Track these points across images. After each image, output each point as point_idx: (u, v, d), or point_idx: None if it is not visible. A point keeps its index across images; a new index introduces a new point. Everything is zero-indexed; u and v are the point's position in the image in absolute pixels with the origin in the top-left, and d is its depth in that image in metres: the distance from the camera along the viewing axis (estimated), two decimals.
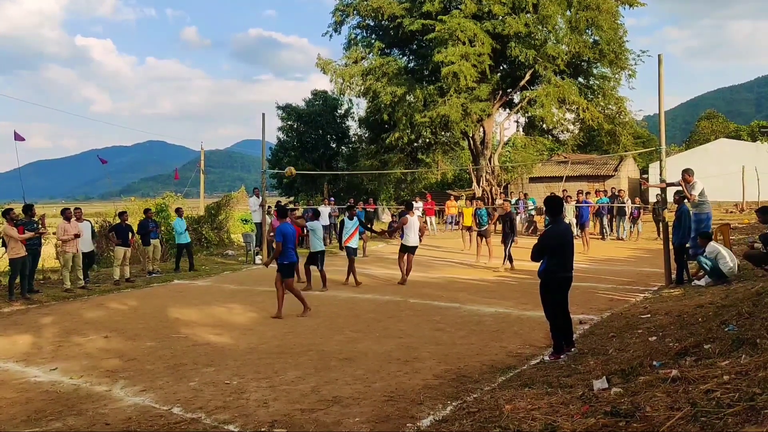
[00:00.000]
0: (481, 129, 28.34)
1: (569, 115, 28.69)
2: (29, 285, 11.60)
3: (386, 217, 27.26)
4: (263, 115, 17.48)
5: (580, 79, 28.09)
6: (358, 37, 28.98)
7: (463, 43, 23.76)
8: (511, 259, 13.24)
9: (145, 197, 25.12)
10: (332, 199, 24.51)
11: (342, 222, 13.77)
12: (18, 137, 14.80)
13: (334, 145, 35.96)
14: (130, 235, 13.73)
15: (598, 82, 28.26)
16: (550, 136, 31.49)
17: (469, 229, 17.92)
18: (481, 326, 8.15)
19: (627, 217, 19.16)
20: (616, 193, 20.38)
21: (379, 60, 26.81)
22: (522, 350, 6.79)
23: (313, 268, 11.90)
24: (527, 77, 26.86)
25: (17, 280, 11.22)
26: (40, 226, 12.01)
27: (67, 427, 4.89)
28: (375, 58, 27.24)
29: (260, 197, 17.15)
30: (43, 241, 12.76)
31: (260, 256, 16.56)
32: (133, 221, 15.90)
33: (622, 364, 5.32)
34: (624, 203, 19.30)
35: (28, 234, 11.31)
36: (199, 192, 29.67)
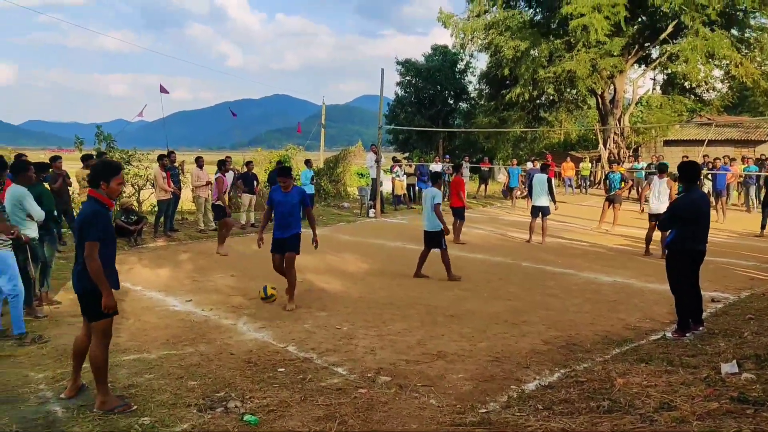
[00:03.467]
0: (612, 86, 26.45)
1: (717, 72, 25.88)
2: (170, 224, 12.80)
3: (502, 177, 26.62)
4: (382, 70, 17.55)
5: (734, 31, 25.00)
6: None
7: None
8: None
9: (270, 149, 26.41)
10: (447, 156, 24.29)
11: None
12: (163, 90, 16.10)
13: (451, 102, 35.36)
14: (255, 183, 14.59)
15: (755, 35, 24.99)
16: (692, 96, 28.65)
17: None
18: (598, 295, 7.80)
19: None
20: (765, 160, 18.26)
21: (503, 13, 25.68)
22: (641, 324, 6.42)
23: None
24: (669, 29, 24.47)
25: (161, 219, 12.49)
26: (180, 172, 13.12)
27: (199, 352, 5.40)
28: (499, 11, 26.13)
29: (377, 153, 17.42)
30: (182, 185, 13.94)
31: (373, 210, 16.93)
32: (259, 170, 16.85)
33: (758, 349, 4.87)
34: None
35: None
36: (320, 145, 30.70)
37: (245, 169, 15.00)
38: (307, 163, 17.04)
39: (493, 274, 9.21)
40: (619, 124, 26.56)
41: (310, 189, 16.06)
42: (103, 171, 4.18)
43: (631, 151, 27.44)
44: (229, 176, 13.92)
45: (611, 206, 13.76)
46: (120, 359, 5.12)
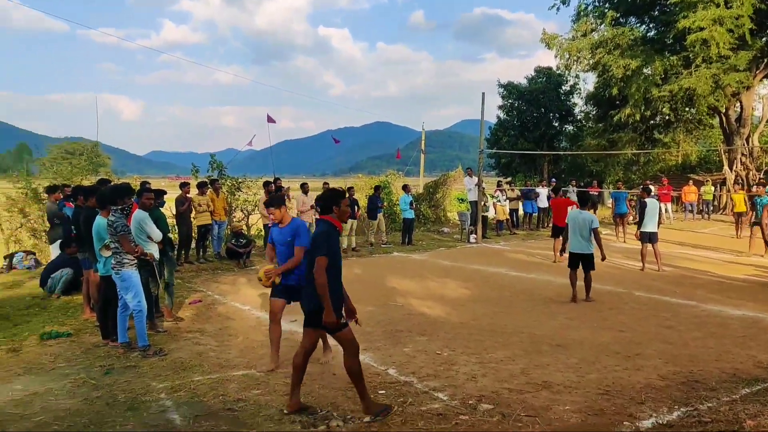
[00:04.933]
0: (738, 104, 24.48)
1: None
2: None
3: (610, 202, 25.35)
4: (483, 94, 17.46)
5: None
6: (589, 8, 26.99)
7: (717, 5, 20.61)
8: None
9: (371, 174, 27.00)
10: (553, 180, 23.55)
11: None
12: (270, 119, 17.02)
13: (556, 124, 34.40)
14: (356, 208, 14.97)
15: None
16: None
17: (740, 215, 16.43)
18: (723, 329, 7.14)
19: None
20: None
21: (612, 31, 24.70)
22: None
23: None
24: None
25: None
26: (286, 197, 13.74)
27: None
28: (607, 28, 25.17)
29: (473, 177, 17.26)
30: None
31: (474, 235, 16.72)
32: (360, 196, 17.24)
33: None
34: None
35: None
36: (419, 170, 30.96)
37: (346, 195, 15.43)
38: (405, 188, 17.20)
39: (602, 302, 8.73)
40: (747, 144, 24.46)
41: (410, 214, 16.18)
42: (334, 197, 4.62)
43: (762, 173, 25.12)
44: (302, 199, 14.27)
45: (760, 231, 12.89)
46: (230, 374, 5.39)
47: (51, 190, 10.03)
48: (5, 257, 11.73)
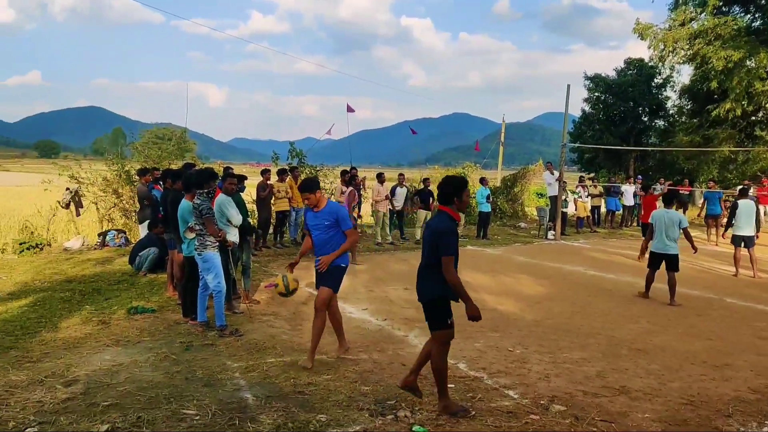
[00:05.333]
0: None
1: None
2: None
3: (701, 202, 23.83)
4: (568, 86, 16.82)
5: None
6: None
7: None
8: None
9: (447, 166, 26.76)
10: (639, 177, 22.40)
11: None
12: (350, 109, 17.16)
13: (645, 119, 32.61)
14: (431, 199, 14.86)
15: None
16: None
17: None
18: None
19: None
20: None
21: (713, 20, 23.06)
22: None
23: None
24: None
25: None
26: (361, 187, 13.84)
27: (372, 359, 5.60)
28: (707, 18, 23.53)
29: (554, 171, 16.69)
30: (362, 200, 14.68)
31: (553, 231, 16.21)
32: (435, 188, 17.09)
33: None
34: None
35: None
36: (498, 163, 30.37)
37: (422, 186, 15.37)
38: (482, 181, 16.89)
39: (689, 308, 8.22)
40: None
41: (486, 208, 15.90)
42: (458, 186, 4.31)
43: None
44: (378, 188, 14.26)
45: None
46: (301, 358, 5.49)
47: (142, 172, 10.59)
48: (99, 235, 12.54)
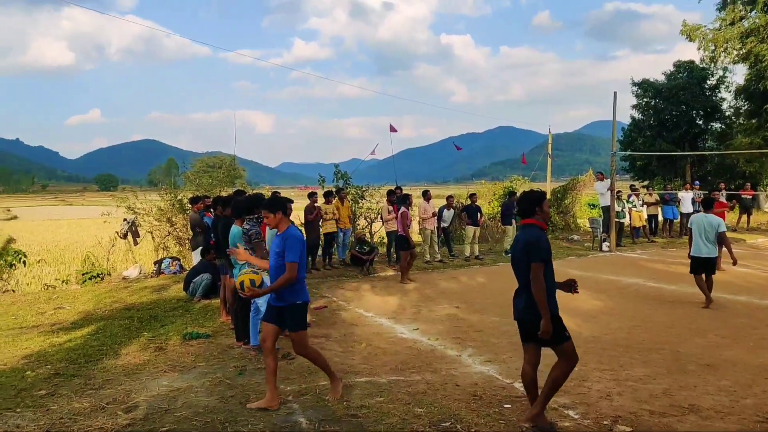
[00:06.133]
0: None
1: None
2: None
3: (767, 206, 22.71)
4: (615, 93, 16.40)
5: None
6: None
7: None
8: None
9: (494, 180, 26.40)
10: (697, 183, 21.53)
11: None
12: (392, 129, 17.25)
13: (700, 122, 31.38)
14: (479, 215, 14.68)
15: None
16: None
17: None
18: None
19: None
20: None
21: (765, 17, 22.15)
22: None
23: None
24: None
25: (392, 250, 13.22)
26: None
27: (425, 381, 5.50)
28: (759, 15, 22.62)
29: (605, 180, 16.23)
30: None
31: (607, 243, 15.71)
32: (482, 203, 16.87)
33: None
34: None
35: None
36: (546, 175, 29.80)
37: (468, 202, 15.21)
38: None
39: (760, 320, 7.75)
40: None
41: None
42: (536, 199, 4.46)
43: None
44: (424, 206, 14.12)
45: None
46: (353, 380, 5.45)
47: (194, 200, 10.90)
48: (155, 263, 12.95)
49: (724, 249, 8.92)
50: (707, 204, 9.11)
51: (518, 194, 4.73)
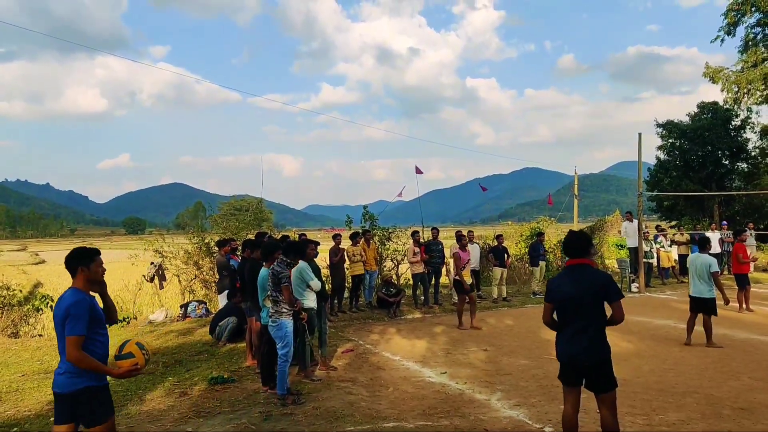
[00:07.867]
0: None
1: None
2: (433, 297, 13.35)
3: None
4: (639, 135, 16.38)
5: None
6: (758, 37, 24.62)
7: None
8: None
9: (521, 222, 26.28)
10: (724, 223, 21.13)
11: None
12: (418, 171, 17.44)
13: (726, 162, 31.05)
14: (506, 256, 14.56)
15: None
16: None
17: None
18: None
19: None
20: None
21: None
22: None
23: None
24: None
25: (418, 292, 13.13)
26: (441, 247, 13.78)
27: (454, 425, 5.41)
28: None
29: (633, 221, 16.07)
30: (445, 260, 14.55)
31: (636, 284, 15.42)
32: (509, 244, 16.76)
33: None
34: None
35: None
36: (573, 216, 29.58)
37: (495, 243, 15.13)
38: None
39: None
40: None
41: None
42: (587, 239, 4.60)
43: None
44: (473, 248, 14.04)
45: None
46: (381, 426, 5.38)
47: (221, 243, 11.02)
48: (181, 306, 13.05)
49: (746, 290, 8.86)
50: (702, 244, 9.21)
51: (567, 234, 4.77)
